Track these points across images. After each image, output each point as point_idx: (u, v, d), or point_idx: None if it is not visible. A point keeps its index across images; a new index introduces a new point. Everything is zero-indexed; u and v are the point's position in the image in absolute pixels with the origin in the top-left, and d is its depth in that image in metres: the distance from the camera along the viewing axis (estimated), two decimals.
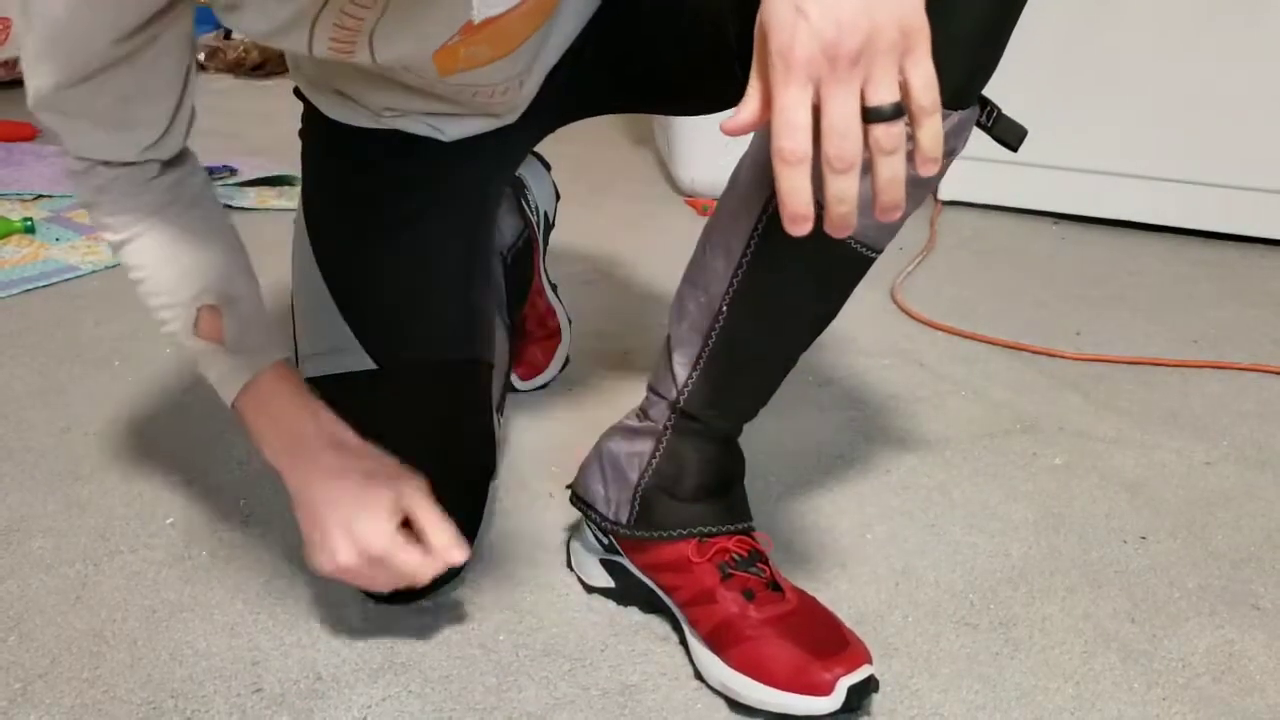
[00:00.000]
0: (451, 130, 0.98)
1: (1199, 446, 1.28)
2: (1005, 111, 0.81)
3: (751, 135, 0.83)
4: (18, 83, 2.88)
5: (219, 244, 0.89)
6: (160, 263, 0.87)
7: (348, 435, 0.88)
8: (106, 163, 0.86)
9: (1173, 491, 1.19)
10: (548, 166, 1.37)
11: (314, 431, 0.87)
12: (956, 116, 0.77)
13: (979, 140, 0.83)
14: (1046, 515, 1.14)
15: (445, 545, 0.84)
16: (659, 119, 2.27)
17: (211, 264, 0.87)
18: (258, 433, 0.88)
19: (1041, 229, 2.04)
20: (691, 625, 0.91)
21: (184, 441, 1.23)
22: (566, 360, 1.37)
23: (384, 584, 0.86)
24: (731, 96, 0.80)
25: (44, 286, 1.64)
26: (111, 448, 1.21)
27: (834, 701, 0.82)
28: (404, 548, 0.83)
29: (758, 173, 0.84)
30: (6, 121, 2.45)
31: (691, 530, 0.91)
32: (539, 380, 1.35)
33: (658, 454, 0.92)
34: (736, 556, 0.91)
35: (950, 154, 0.80)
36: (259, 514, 1.10)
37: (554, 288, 1.38)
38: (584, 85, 0.98)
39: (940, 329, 1.57)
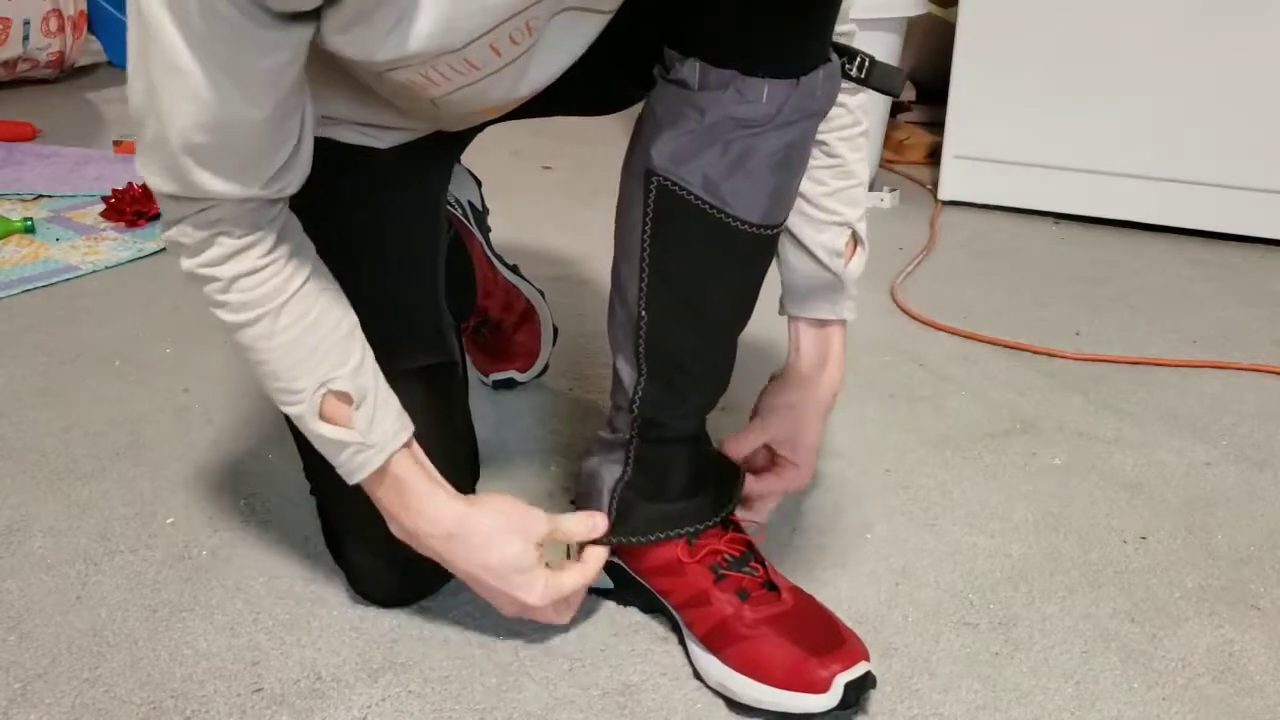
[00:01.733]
0: (387, 139, 0.97)
1: (1199, 446, 1.28)
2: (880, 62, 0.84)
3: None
4: (17, 82, 2.90)
5: (342, 328, 0.85)
6: (284, 349, 0.83)
7: (473, 517, 0.86)
8: (227, 232, 0.79)
9: (1173, 491, 1.19)
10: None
11: (440, 516, 0.86)
12: (821, 71, 0.78)
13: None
14: (1046, 515, 1.14)
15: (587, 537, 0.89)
16: None
17: (338, 351, 0.84)
18: (385, 510, 0.87)
19: (1041, 229, 2.04)
20: (688, 627, 0.91)
21: (184, 441, 1.23)
22: (556, 332, 1.34)
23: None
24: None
25: (44, 286, 1.64)
26: (111, 448, 1.21)
27: (831, 698, 0.82)
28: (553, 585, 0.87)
29: (637, 171, 0.84)
30: (6, 122, 2.46)
31: (671, 533, 0.91)
32: (538, 366, 1.33)
33: (629, 463, 0.93)
34: (729, 557, 0.91)
35: (819, 113, 0.80)
36: (259, 514, 1.10)
37: (513, 268, 1.33)
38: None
39: (940, 329, 1.57)
